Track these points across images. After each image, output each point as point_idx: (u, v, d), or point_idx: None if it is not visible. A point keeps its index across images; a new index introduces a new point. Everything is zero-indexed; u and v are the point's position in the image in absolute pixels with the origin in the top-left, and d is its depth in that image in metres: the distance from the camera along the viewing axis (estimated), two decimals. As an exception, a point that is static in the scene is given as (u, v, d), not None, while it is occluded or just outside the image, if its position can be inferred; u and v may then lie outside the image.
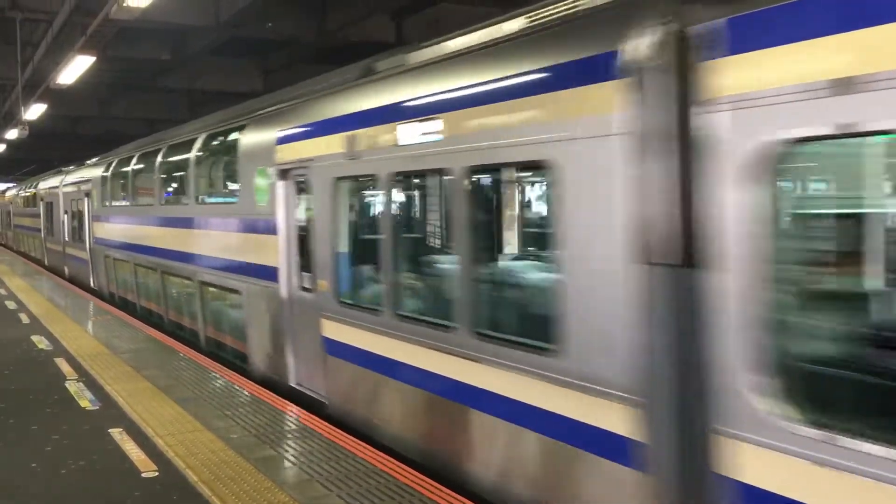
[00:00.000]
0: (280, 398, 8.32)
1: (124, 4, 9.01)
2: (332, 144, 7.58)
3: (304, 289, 8.42)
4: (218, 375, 9.38)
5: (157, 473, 6.11)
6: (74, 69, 13.15)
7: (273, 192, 8.82)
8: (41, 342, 11.79)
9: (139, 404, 8.12)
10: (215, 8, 13.95)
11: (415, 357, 6.46)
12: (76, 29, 12.65)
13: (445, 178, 6.37)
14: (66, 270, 22.52)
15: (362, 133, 7.08)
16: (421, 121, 6.29)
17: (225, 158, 11.18)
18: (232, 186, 10.80)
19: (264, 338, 9.37)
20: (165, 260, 13.15)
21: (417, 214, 8.20)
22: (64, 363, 10.22)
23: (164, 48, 17.31)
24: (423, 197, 8.12)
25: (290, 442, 6.81)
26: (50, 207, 25.05)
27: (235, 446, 6.71)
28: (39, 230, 27.78)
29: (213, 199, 12.06)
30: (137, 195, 15.28)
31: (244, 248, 9.80)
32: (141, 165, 14.84)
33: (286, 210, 8.71)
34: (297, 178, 8.48)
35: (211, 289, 11.32)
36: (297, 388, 8.65)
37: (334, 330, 7.76)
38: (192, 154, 11.83)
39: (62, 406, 8.17)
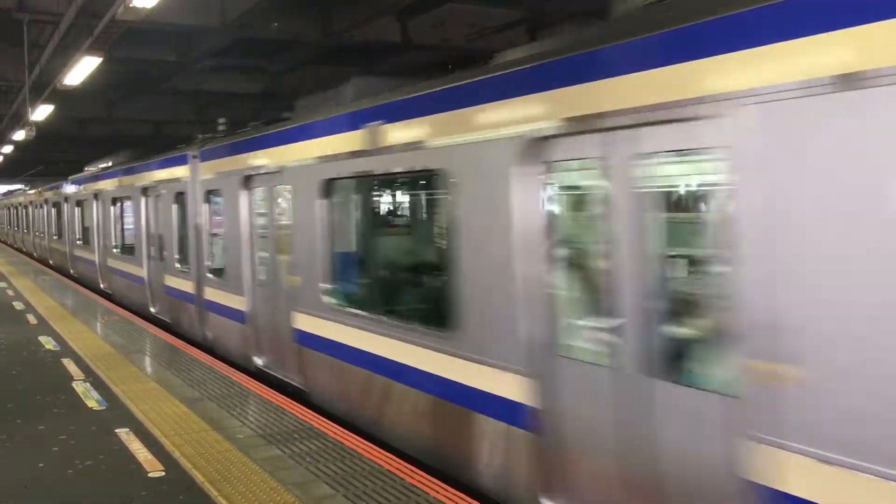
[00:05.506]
0: (287, 398, 8.33)
1: (130, 5, 8.98)
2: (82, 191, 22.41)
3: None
4: (225, 375, 9.40)
5: (163, 473, 6.13)
6: (81, 70, 13.17)
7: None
8: (48, 343, 11.83)
9: (146, 405, 8.14)
10: (221, 9, 13.95)
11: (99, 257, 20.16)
12: (83, 30, 12.65)
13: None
14: (20, 245, 41.57)
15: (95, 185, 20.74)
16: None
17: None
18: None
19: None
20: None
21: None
22: (71, 364, 10.25)
23: (169, 49, 17.31)
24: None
25: (296, 442, 6.81)
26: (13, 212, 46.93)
27: (242, 446, 6.72)
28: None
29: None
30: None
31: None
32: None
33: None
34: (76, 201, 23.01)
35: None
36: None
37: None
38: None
39: (69, 406, 8.21)
